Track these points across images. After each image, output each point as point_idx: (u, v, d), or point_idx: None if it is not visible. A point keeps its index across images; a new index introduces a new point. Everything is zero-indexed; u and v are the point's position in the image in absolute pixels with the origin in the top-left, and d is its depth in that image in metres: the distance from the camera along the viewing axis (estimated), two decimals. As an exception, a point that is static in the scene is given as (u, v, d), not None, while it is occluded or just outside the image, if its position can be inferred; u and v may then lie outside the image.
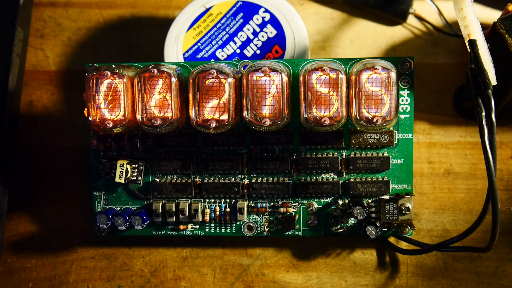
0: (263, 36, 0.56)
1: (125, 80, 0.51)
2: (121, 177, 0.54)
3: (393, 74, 0.49)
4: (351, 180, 0.54)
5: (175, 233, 0.56)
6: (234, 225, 0.56)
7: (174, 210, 0.55)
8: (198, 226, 0.56)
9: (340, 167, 0.54)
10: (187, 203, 0.55)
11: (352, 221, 0.54)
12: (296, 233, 0.55)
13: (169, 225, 0.56)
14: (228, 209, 0.55)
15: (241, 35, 0.57)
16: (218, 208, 0.55)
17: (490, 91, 0.44)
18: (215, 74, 0.50)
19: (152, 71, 0.50)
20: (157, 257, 0.59)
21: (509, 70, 0.49)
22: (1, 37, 0.60)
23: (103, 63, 0.53)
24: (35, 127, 0.62)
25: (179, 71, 0.52)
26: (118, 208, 0.56)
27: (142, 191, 0.56)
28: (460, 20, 0.47)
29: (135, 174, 0.55)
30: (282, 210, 0.54)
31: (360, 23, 0.61)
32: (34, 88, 0.63)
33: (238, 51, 0.56)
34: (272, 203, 0.55)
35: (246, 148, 0.54)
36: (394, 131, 0.53)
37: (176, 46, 0.57)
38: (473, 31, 0.46)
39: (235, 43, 0.57)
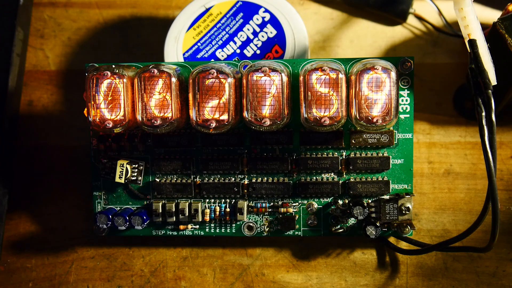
0: (263, 36, 0.56)
1: (125, 80, 0.51)
2: (121, 177, 0.54)
3: (393, 74, 0.49)
4: (351, 180, 0.54)
5: (175, 233, 0.56)
6: (234, 225, 0.56)
7: (174, 210, 0.55)
8: (198, 226, 0.56)
9: (340, 167, 0.54)
10: (187, 203, 0.55)
11: (352, 221, 0.54)
12: (296, 233, 0.55)
13: (169, 225, 0.56)
14: (228, 209, 0.55)
15: (241, 35, 0.57)
16: (218, 208, 0.55)
17: (490, 91, 0.44)
18: (215, 74, 0.50)
19: (152, 71, 0.50)
20: (157, 257, 0.59)
21: (509, 70, 0.49)
22: (1, 37, 0.60)
23: (103, 63, 0.53)
24: (35, 127, 0.62)
25: (179, 71, 0.52)
26: (118, 208, 0.56)
27: (142, 191, 0.56)
28: (460, 20, 0.47)
29: (135, 174, 0.55)
30: (282, 210, 0.54)
31: (360, 23, 0.61)
32: (34, 88, 0.63)
33: (238, 51, 0.56)
34: (272, 203, 0.55)
35: (246, 148, 0.54)
36: (394, 131, 0.53)
37: (176, 46, 0.57)
38: (473, 31, 0.46)
39: (235, 43, 0.57)
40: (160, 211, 0.55)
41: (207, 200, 0.55)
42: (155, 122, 0.50)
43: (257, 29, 0.56)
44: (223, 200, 0.55)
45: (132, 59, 0.62)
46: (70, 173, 0.61)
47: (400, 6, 0.59)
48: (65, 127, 0.62)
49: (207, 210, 0.55)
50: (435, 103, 0.59)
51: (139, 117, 0.51)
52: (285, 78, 0.49)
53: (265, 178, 0.54)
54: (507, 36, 0.48)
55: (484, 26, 0.49)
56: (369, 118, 0.49)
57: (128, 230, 0.56)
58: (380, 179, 0.53)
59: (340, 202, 0.54)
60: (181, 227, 0.56)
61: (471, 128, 0.58)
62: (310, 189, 0.54)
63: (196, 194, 0.55)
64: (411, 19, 0.61)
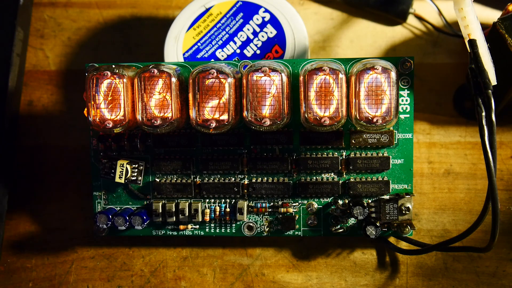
0: (263, 36, 0.56)
1: (125, 80, 0.51)
2: (121, 177, 0.54)
3: (393, 74, 0.49)
4: (351, 180, 0.54)
5: (175, 233, 0.56)
6: (234, 225, 0.56)
7: (174, 210, 0.55)
8: (198, 226, 0.56)
9: (340, 167, 0.54)
10: (187, 203, 0.55)
11: (352, 221, 0.54)
12: (296, 233, 0.55)
13: (169, 225, 0.56)
14: (228, 209, 0.55)
15: (241, 35, 0.57)
16: (218, 208, 0.55)
17: (490, 91, 0.44)
18: (215, 74, 0.50)
19: (152, 71, 0.50)
20: (157, 257, 0.59)
21: (509, 70, 0.49)
22: (1, 37, 0.60)
23: (103, 63, 0.53)
24: (35, 127, 0.62)
25: (179, 71, 0.52)
26: (118, 208, 0.56)
27: (142, 191, 0.56)
28: (460, 20, 0.47)
29: (135, 174, 0.55)
30: (282, 210, 0.54)
31: (360, 23, 0.61)
32: (34, 88, 0.63)
33: (238, 51, 0.56)
34: (272, 203, 0.55)
35: (246, 148, 0.54)
36: (394, 131, 0.53)
37: (176, 46, 0.57)
38: (473, 31, 0.46)
39: (235, 43, 0.57)
40: (160, 211, 0.55)
41: (207, 200, 0.55)
42: (155, 122, 0.50)
43: (257, 29, 0.56)
44: (223, 200, 0.55)
45: (132, 59, 0.62)
46: (70, 173, 0.61)
47: (400, 6, 0.59)
48: (65, 127, 0.62)
49: (207, 210, 0.55)
50: (435, 103, 0.59)
51: (139, 117, 0.51)
52: (285, 78, 0.49)
53: (265, 178, 0.54)
54: (507, 36, 0.48)
55: (484, 26, 0.49)
56: (369, 118, 0.49)
57: (128, 230, 0.56)
58: (380, 179, 0.53)
59: (340, 202, 0.54)
60: (181, 227, 0.56)
61: (471, 128, 0.58)
62: (310, 189, 0.54)
63: (196, 194, 0.55)
64: (411, 19, 0.61)
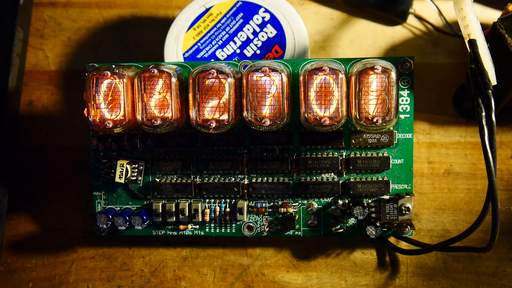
0: (263, 36, 0.56)
1: (125, 80, 0.51)
2: (121, 177, 0.54)
3: (393, 74, 0.49)
4: (351, 180, 0.54)
5: (175, 233, 0.56)
6: (234, 225, 0.56)
7: (174, 210, 0.55)
8: (198, 226, 0.56)
9: (340, 167, 0.54)
10: (187, 203, 0.55)
11: (352, 221, 0.54)
12: (296, 233, 0.55)
13: (169, 225, 0.56)
14: (228, 209, 0.55)
15: (241, 35, 0.57)
16: (218, 208, 0.55)
17: (490, 91, 0.44)
18: (215, 74, 0.50)
19: (152, 71, 0.50)
20: (157, 257, 0.59)
21: (509, 70, 0.49)
22: (1, 37, 0.60)
23: (103, 63, 0.53)
24: (35, 127, 0.62)
25: (179, 71, 0.52)
26: (118, 208, 0.56)
27: (142, 191, 0.56)
28: (460, 20, 0.47)
29: (135, 174, 0.55)
30: (282, 210, 0.54)
31: (360, 23, 0.61)
32: (34, 88, 0.63)
33: (238, 51, 0.56)
34: (272, 203, 0.55)
35: (246, 148, 0.54)
36: (394, 131, 0.53)
37: (176, 46, 0.57)
38: (473, 31, 0.46)
39: (235, 43, 0.57)
40: (160, 211, 0.55)
41: (207, 200, 0.55)
42: (155, 122, 0.50)
43: (257, 29, 0.56)
44: (223, 200, 0.55)
45: (132, 59, 0.62)
46: (70, 173, 0.61)
47: (400, 6, 0.59)
48: (65, 127, 0.62)
49: (207, 210, 0.55)
50: (435, 103, 0.59)
51: (139, 117, 0.51)
52: (285, 78, 0.49)
53: (265, 178, 0.54)
54: (507, 36, 0.48)
55: (484, 26, 0.49)
56: (369, 118, 0.49)
57: (128, 230, 0.56)
58: (380, 179, 0.53)
59: (340, 202, 0.54)
60: (181, 227, 0.56)
61: (471, 128, 0.58)
62: (310, 189, 0.54)
63: (196, 194, 0.55)
64: (411, 19, 0.61)
